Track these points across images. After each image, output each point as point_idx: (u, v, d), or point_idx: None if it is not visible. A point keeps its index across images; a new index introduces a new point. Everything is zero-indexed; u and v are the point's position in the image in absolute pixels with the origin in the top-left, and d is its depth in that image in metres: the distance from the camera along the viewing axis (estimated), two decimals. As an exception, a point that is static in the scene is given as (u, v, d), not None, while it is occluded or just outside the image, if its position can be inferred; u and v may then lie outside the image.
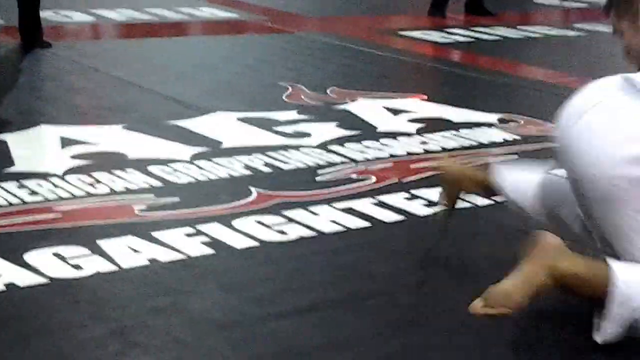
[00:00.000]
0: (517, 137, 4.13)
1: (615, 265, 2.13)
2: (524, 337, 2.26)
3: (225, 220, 2.93)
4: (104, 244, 2.68)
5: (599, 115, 2.16)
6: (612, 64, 5.91)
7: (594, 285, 2.12)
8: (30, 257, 2.56)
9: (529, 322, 2.28)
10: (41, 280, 2.42)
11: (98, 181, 3.25)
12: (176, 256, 2.63)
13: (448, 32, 6.89)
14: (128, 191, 3.17)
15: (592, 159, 2.15)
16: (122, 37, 6.50)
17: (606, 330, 2.13)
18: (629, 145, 2.12)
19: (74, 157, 3.52)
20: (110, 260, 2.57)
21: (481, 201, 2.99)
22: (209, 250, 2.69)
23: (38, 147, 3.68)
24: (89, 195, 3.11)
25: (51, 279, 2.43)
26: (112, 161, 3.49)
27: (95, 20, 6.72)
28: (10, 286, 2.38)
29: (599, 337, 2.15)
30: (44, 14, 6.59)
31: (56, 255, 2.58)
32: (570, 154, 2.20)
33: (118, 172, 3.35)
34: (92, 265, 2.53)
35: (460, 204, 2.74)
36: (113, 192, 3.15)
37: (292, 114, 4.33)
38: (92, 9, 7.00)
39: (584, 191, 2.21)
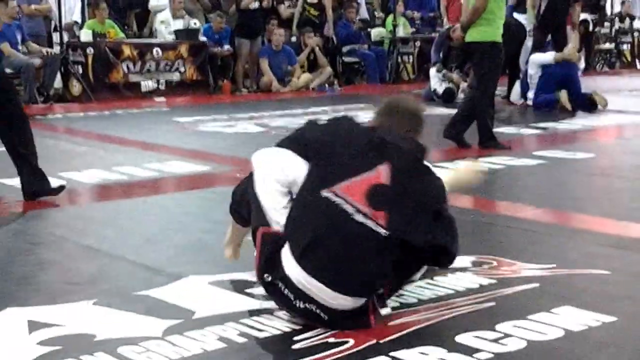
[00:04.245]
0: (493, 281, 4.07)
1: None
2: None
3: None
4: None
5: None
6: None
7: None
8: None
9: None
10: None
11: (65, 371, 3.14)
12: None
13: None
14: (96, 380, 3.06)
15: None
16: (93, 200, 6.46)
17: None
18: None
19: (40, 343, 3.41)
20: None
21: None
22: None
23: (3, 335, 3.56)
24: (58, 389, 3.00)
25: None
26: (80, 345, 3.38)
27: (66, 184, 6.67)
28: None
29: None
30: (12, 181, 6.56)
31: None
32: None
33: (86, 357, 3.24)
34: None
35: None
36: (81, 381, 3.04)
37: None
38: (62, 172, 6.96)
39: None
